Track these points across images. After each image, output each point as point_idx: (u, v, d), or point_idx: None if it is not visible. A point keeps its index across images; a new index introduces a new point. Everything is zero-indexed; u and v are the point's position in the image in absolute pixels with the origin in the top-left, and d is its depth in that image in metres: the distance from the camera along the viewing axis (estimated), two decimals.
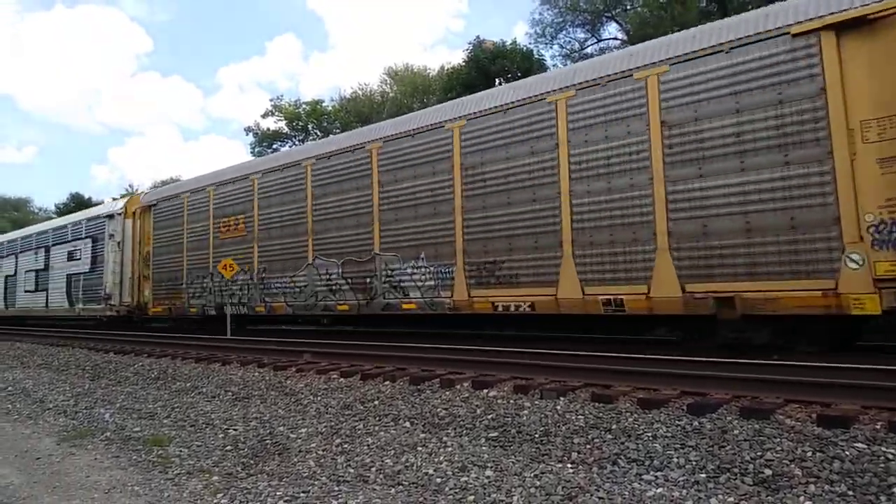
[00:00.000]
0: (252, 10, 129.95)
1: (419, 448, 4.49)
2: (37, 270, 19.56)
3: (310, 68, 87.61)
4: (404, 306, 9.43)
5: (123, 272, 15.78)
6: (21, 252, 20.86)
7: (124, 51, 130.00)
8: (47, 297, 18.71)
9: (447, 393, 5.98)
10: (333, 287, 10.46)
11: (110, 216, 16.29)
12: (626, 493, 3.43)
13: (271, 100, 41.06)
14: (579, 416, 4.80)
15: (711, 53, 6.70)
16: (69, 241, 18.04)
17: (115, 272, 15.81)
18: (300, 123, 33.95)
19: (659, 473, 3.67)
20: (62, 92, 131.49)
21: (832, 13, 5.96)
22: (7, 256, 21.58)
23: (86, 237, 17.17)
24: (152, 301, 14.83)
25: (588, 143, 7.54)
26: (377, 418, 5.42)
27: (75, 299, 17.36)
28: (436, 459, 4.23)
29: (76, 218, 18.88)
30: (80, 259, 17.37)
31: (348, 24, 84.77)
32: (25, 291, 20.05)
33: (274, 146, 33.87)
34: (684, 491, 3.40)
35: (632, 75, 7.26)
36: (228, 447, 4.94)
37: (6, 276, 21.45)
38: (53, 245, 18.87)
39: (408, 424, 5.17)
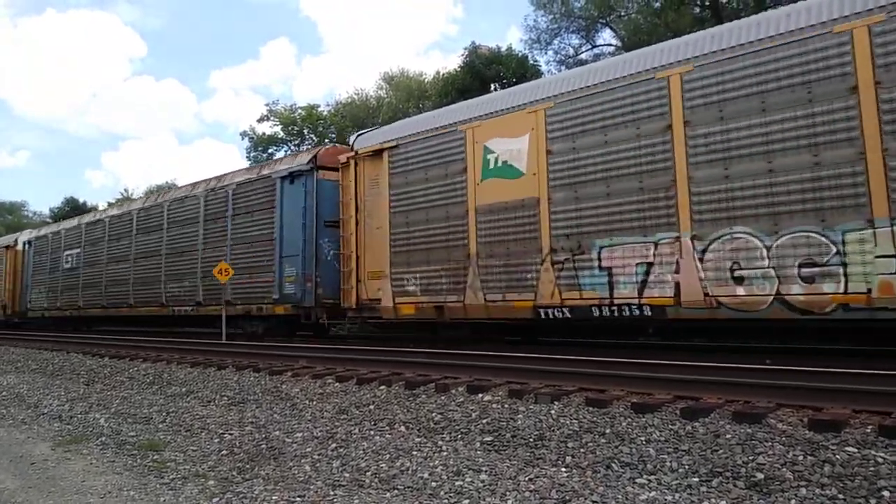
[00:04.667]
0: (245, 15, 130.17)
1: (414, 452, 4.51)
2: None
3: (303, 72, 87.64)
4: None
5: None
6: None
7: (118, 55, 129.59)
8: None
9: (442, 397, 6.00)
10: None
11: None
12: (620, 496, 3.46)
13: (267, 104, 41.08)
14: (573, 421, 4.83)
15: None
16: None
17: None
18: (296, 128, 33.94)
19: (652, 477, 3.70)
20: (55, 96, 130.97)
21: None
22: None
23: None
24: None
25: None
26: (372, 423, 5.44)
27: None
28: (431, 464, 4.25)
29: None
30: None
31: (342, 28, 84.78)
32: None
33: (269, 151, 33.86)
34: (677, 494, 3.42)
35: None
36: (224, 452, 4.95)
37: None
38: None
39: (403, 429, 5.19)
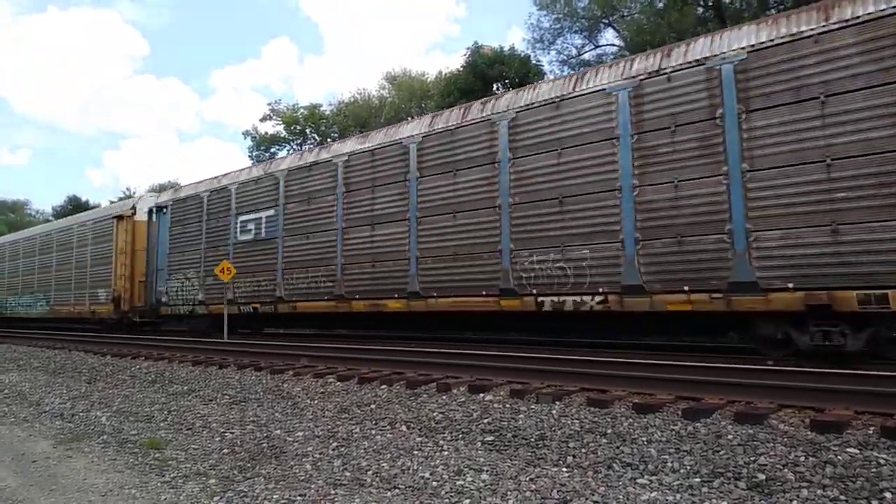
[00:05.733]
0: (247, 14, 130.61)
1: (415, 452, 4.51)
2: None
3: (305, 72, 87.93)
4: None
5: None
6: None
7: (119, 54, 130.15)
8: None
9: (444, 397, 6.00)
10: None
11: None
12: (621, 496, 3.45)
13: (269, 104, 41.12)
14: (575, 421, 4.83)
15: None
16: None
17: None
18: (298, 128, 34.00)
19: (653, 477, 3.70)
20: (56, 94, 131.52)
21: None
22: None
23: None
24: None
25: None
26: (374, 422, 5.44)
27: None
28: (432, 463, 4.25)
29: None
30: None
31: (343, 28, 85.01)
32: None
33: (272, 150, 33.90)
34: (678, 495, 3.42)
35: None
36: (225, 450, 4.95)
37: None
38: None
39: (404, 428, 5.19)
